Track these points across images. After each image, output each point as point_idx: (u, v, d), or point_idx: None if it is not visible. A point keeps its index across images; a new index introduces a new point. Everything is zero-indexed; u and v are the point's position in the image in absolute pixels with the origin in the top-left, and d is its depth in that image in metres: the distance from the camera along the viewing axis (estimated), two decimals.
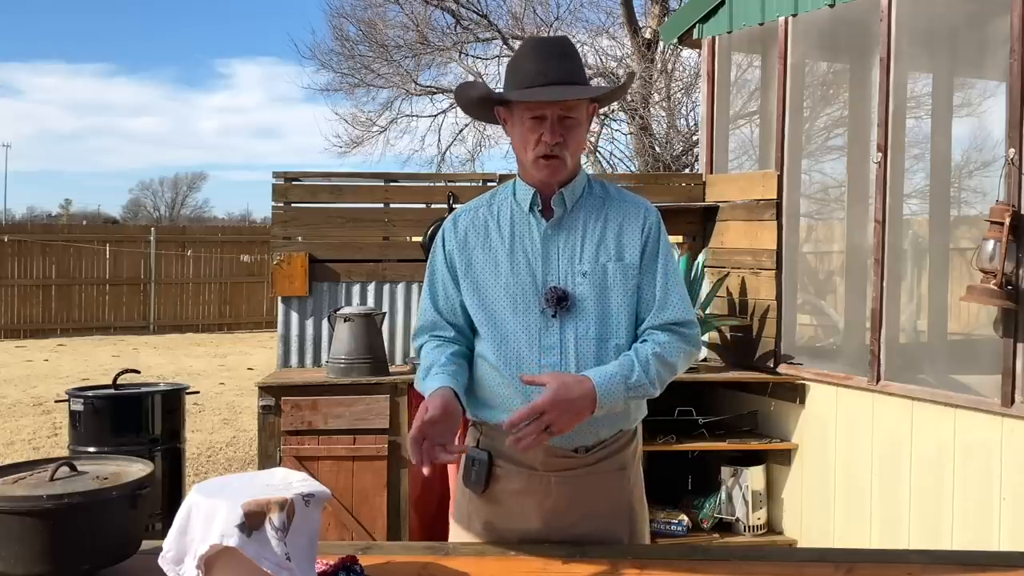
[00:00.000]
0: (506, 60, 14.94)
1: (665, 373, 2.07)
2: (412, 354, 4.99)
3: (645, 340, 2.09)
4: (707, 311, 4.98)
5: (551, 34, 14.43)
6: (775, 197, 4.78)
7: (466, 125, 15.54)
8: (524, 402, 2.04)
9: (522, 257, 2.11)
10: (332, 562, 1.83)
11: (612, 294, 2.09)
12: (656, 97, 13.64)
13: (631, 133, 13.96)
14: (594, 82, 12.79)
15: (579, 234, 2.11)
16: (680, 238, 5.24)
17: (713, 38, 5.27)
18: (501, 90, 2.13)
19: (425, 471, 1.92)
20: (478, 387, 2.14)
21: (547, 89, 2.02)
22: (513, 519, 2.12)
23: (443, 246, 2.20)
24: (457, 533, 2.22)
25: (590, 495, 2.11)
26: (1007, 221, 3.59)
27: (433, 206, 5.12)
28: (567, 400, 1.91)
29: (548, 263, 2.10)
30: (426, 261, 5.08)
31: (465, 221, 2.19)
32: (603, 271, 2.09)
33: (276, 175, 4.99)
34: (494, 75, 15.20)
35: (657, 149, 13.36)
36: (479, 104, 2.19)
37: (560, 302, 2.06)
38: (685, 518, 4.71)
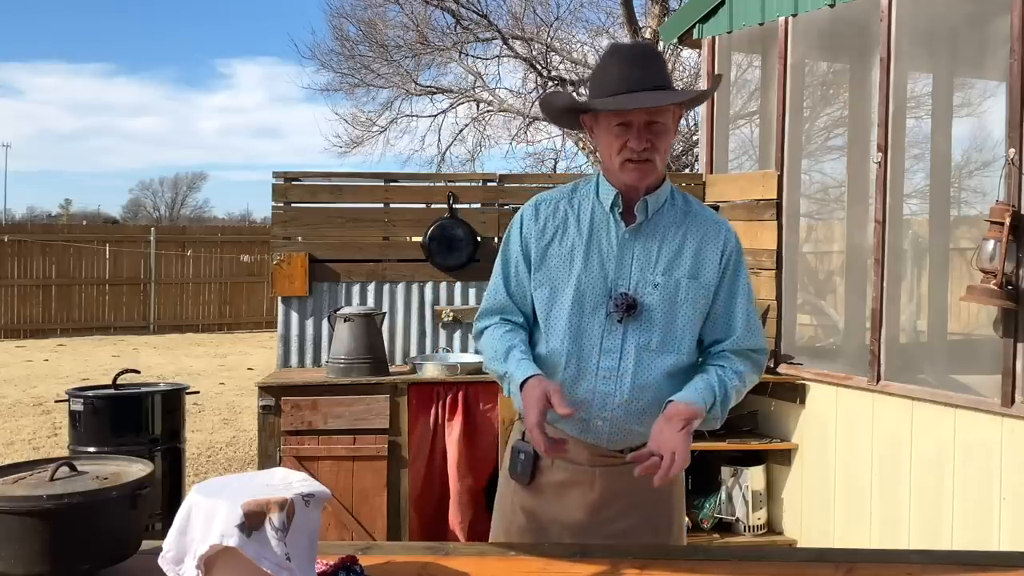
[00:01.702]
0: (506, 60, 14.98)
1: (733, 403, 2.10)
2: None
3: (723, 366, 2.10)
4: None
5: (551, 34, 14.45)
6: (775, 197, 4.78)
7: (466, 125, 15.56)
8: (576, 397, 2.05)
9: (596, 257, 2.10)
10: (332, 562, 1.83)
11: (681, 309, 2.08)
12: None
13: None
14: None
15: (657, 244, 2.10)
16: None
17: (713, 38, 5.27)
18: (586, 99, 2.12)
19: (551, 454, 1.98)
20: None
21: (630, 96, 1.99)
22: (558, 510, 2.13)
23: (520, 232, 2.18)
24: (500, 523, 2.23)
25: (633, 488, 2.11)
26: (1007, 221, 3.59)
27: (433, 206, 5.12)
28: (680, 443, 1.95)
29: (622, 267, 2.09)
30: (426, 261, 5.12)
31: (546, 211, 2.17)
32: (676, 286, 2.08)
33: (276, 175, 4.99)
34: (493, 75, 15.22)
35: None
36: (564, 113, 2.18)
37: (629, 309, 2.05)
38: (685, 518, 4.71)
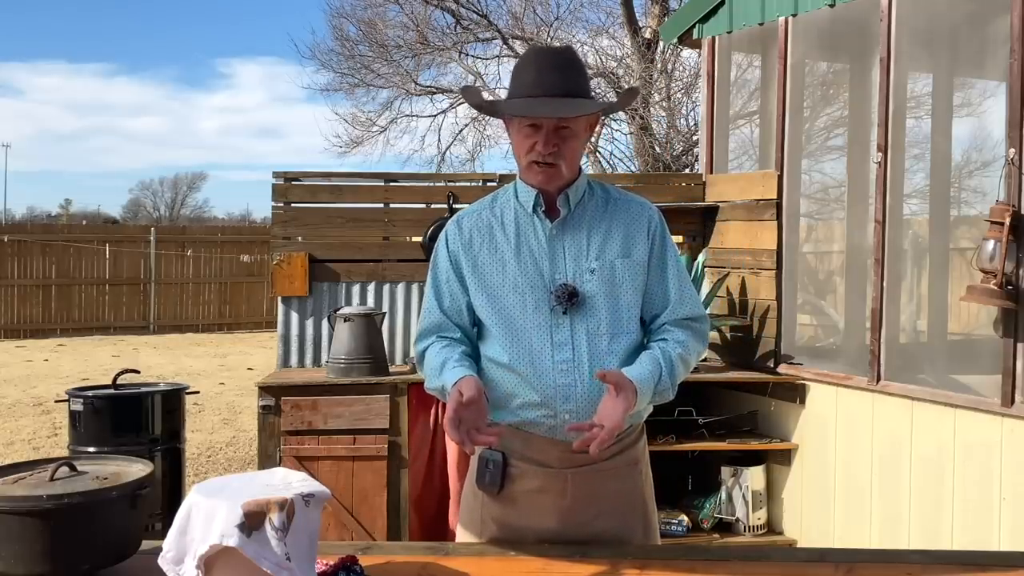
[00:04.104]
0: (506, 60, 14.98)
1: (683, 374, 2.12)
2: (412, 353, 4.99)
3: (665, 339, 2.13)
4: (707, 311, 4.98)
5: (551, 34, 14.43)
6: (775, 197, 4.78)
7: (466, 125, 15.56)
8: (538, 398, 2.07)
9: (528, 256, 2.12)
10: (332, 562, 1.83)
11: (622, 290, 2.11)
12: (656, 97, 13.63)
13: (631, 133, 13.96)
14: (594, 83, 12.79)
15: (585, 233, 2.13)
16: (680, 238, 5.24)
17: (713, 38, 5.27)
18: (508, 90, 2.15)
19: (468, 450, 2.00)
20: (488, 389, 2.11)
21: (540, 101, 2.03)
22: (529, 518, 2.12)
23: (447, 247, 2.20)
24: (469, 536, 2.20)
25: (605, 491, 2.12)
26: (1007, 221, 3.59)
27: (433, 206, 5.12)
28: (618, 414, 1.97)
29: (555, 262, 2.11)
30: (426, 261, 5.09)
31: (469, 223, 2.19)
32: (611, 268, 2.11)
33: (276, 175, 4.99)
34: (494, 75, 15.22)
35: (657, 149, 13.36)
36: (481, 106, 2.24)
37: (571, 298, 2.07)
38: (685, 518, 4.71)
